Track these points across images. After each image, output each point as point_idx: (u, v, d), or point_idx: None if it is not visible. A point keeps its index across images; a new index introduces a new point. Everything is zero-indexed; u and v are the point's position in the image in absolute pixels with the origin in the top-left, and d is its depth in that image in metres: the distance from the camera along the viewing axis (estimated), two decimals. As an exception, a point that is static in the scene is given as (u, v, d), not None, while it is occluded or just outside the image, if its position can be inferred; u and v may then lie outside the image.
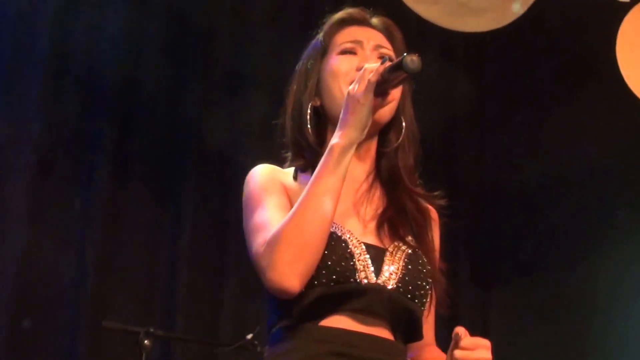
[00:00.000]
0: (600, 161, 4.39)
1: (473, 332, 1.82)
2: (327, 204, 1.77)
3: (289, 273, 1.74)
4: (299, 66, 2.04)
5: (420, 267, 1.88)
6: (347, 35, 1.99)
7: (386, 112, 1.92)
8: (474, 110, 4.58)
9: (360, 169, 1.97)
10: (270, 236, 1.77)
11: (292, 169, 1.98)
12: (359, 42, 1.98)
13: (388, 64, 1.79)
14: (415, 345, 1.96)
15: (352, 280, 1.81)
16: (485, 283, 4.44)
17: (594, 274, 4.32)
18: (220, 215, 4.10)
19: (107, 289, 3.91)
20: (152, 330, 3.33)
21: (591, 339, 4.32)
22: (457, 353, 1.77)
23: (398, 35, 2.03)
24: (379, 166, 1.99)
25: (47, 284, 3.85)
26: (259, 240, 1.81)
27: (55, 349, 3.82)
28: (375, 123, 1.87)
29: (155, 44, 4.19)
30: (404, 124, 1.98)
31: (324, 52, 2.00)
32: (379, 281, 1.83)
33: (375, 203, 1.95)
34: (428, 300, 1.90)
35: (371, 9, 2.06)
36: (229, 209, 4.01)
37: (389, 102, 1.88)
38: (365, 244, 1.86)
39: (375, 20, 2.04)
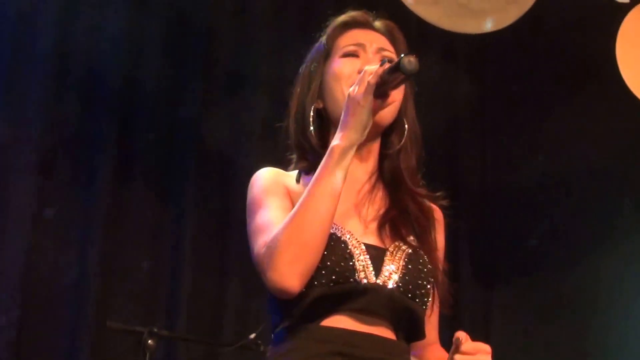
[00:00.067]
0: (600, 161, 4.40)
1: (474, 332, 1.83)
2: (327, 205, 1.77)
3: (289, 273, 1.75)
4: (302, 69, 2.04)
5: (420, 267, 1.88)
6: (349, 38, 2.00)
7: (387, 114, 1.92)
8: (474, 111, 4.59)
9: (362, 170, 1.97)
10: (271, 237, 1.78)
11: (296, 172, 1.98)
12: (361, 45, 1.98)
13: (387, 65, 1.79)
14: (418, 344, 1.96)
15: (351, 280, 1.81)
16: (486, 282, 4.45)
17: (595, 273, 4.32)
18: (221, 215, 4.10)
19: (109, 289, 3.91)
20: (155, 330, 3.32)
21: (591, 339, 4.32)
22: (458, 357, 1.77)
23: (401, 38, 2.04)
24: (382, 168, 2.00)
25: (49, 284, 3.85)
26: (260, 242, 1.82)
27: (58, 349, 3.82)
28: (376, 125, 1.88)
29: (156, 44, 4.19)
30: (406, 126, 1.99)
31: (327, 55, 2.00)
32: (379, 281, 1.83)
33: (377, 204, 1.96)
34: (430, 299, 1.90)
35: (373, 11, 2.07)
36: (230, 209, 4.02)
37: (390, 104, 1.88)
38: (365, 244, 1.86)
39: (378, 23, 2.05)
